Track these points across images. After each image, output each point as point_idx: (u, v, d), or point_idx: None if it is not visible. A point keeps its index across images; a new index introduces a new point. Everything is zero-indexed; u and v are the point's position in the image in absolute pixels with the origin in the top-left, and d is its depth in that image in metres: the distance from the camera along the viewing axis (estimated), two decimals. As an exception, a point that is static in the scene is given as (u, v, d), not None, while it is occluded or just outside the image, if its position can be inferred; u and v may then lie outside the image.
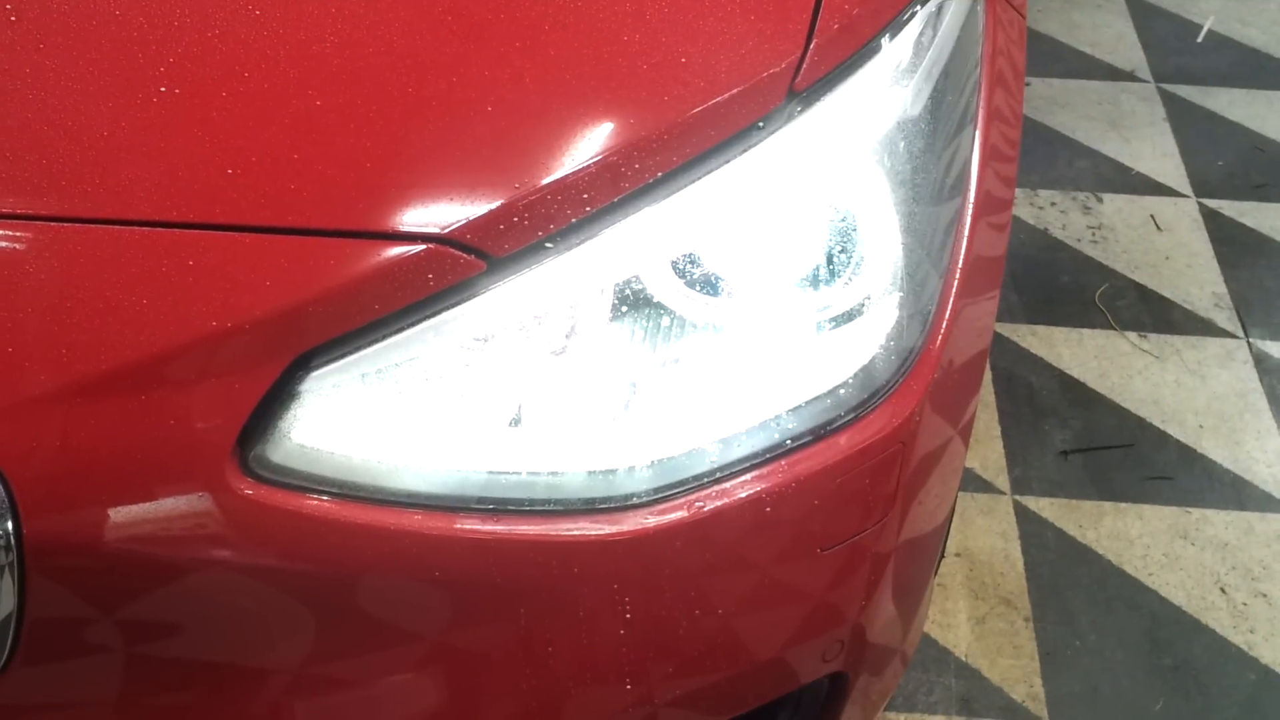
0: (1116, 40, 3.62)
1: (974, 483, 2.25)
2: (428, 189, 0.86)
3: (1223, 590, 2.10)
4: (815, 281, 0.98)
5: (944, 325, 1.06)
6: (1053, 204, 2.96)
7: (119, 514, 0.84)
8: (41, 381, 0.81)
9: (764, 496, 0.95)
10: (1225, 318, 2.65)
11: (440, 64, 0.91)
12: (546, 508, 0.92)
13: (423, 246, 0.84)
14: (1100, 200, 2.98)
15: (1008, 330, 2.59)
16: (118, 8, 0.92)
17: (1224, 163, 3.13)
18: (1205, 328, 2.62)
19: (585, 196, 0.88)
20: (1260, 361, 2.54)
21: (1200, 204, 2.98)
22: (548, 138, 0.89)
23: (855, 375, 0.99)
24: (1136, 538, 2.18)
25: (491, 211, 0.86)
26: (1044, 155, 3.12)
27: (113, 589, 0.87)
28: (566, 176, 0.87)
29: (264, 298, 0.82)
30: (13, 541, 0.82)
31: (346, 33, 0.92)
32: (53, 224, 0.83)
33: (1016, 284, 2.70)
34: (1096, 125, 3.25)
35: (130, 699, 0.94)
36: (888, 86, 1.02)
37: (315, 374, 0.86)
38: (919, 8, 1.07)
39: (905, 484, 1.05)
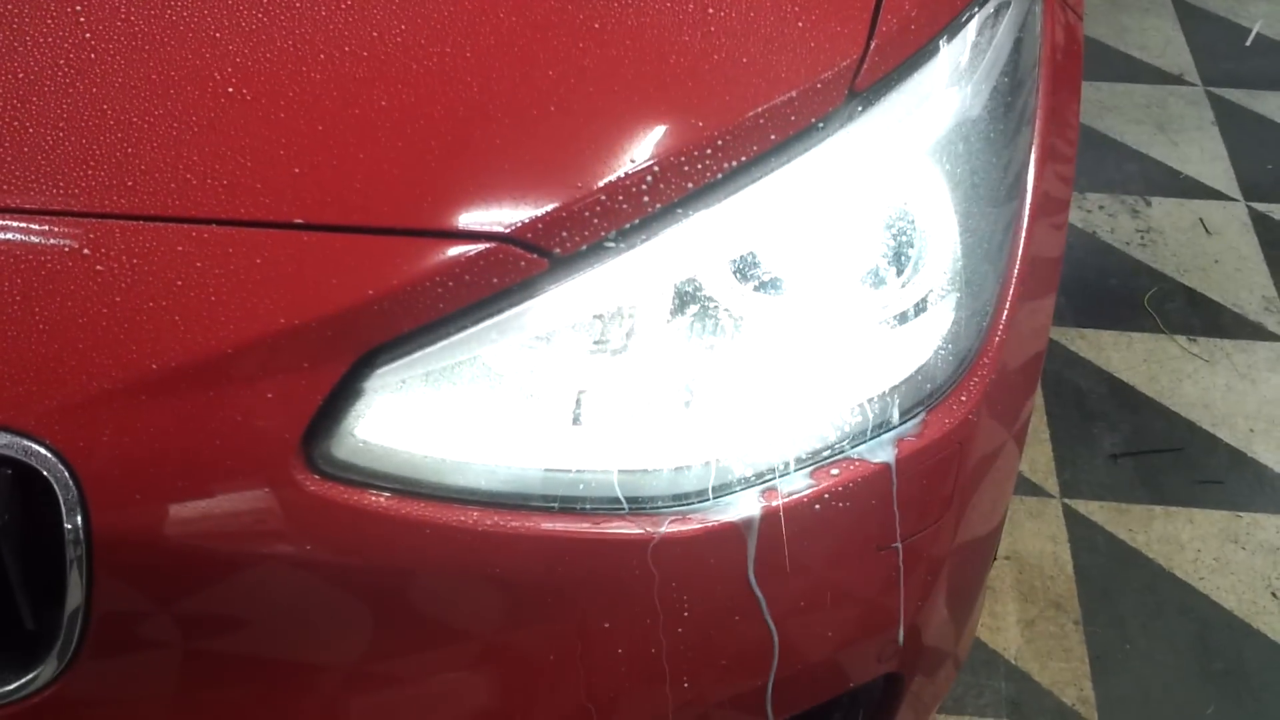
0: (1164, 44, 3.60)
1: (1023, 485, 2.24)
2: (491, 188, 0.87)
3: (1274, 594, 2.08)
4: (874, 282, 0.99)
5: (1001, 327, 1.06)
6: (1101, 207, 2.94)
7: (185, 508, 0.85)
8: (111, 377, 0.82)
9: (822, 496, 0.95)
10: (1275, 321, 2.63)
11: (504, 65, 0.91)
12: (605, 506, 0.93)
13: (486, 245, 0.85)
14: (1149, 203, 2.97)
15: (1057, 333, 2.57)
16: (187, 8, 0.93)
17: (1273, 166, 3.10)
18: (1255, 331, 2.60)
19: (646, 197, 0.89)
20: (1312, 366, 2.52)
21: (1250, 207, 2.96)
22: (609, 138, 0.89)
23: (914, 375, 1.00)
24: (1187, 541, 2.17)
25: (554, 211, 0.86)
26: (1092, 158, 3.11)
27: (178, 583, 0.88)
28: (628, 176, 0.88)
29: (330, 295, 0.83)
30: (82, 535, 0.83)
31: (412, 34, 0.92)
32: (123, 221, 0.84)
33: (1065, 287, 2.69)
34: (1145, 129, 3.23)
35: (191, 693, 0.95)
36: (947, 87, 1.02)
37: (380, 371, 0.87)
38: (977, 9, 1.07)
39: (961, 485, 1.05)
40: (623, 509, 0.93)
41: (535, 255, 0.87)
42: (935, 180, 1.02)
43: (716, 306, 0.94)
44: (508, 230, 0.85)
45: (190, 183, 0.85)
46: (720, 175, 0.91)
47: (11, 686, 0.88)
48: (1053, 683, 1.94)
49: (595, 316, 0.91)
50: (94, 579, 0.85)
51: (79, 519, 0.83)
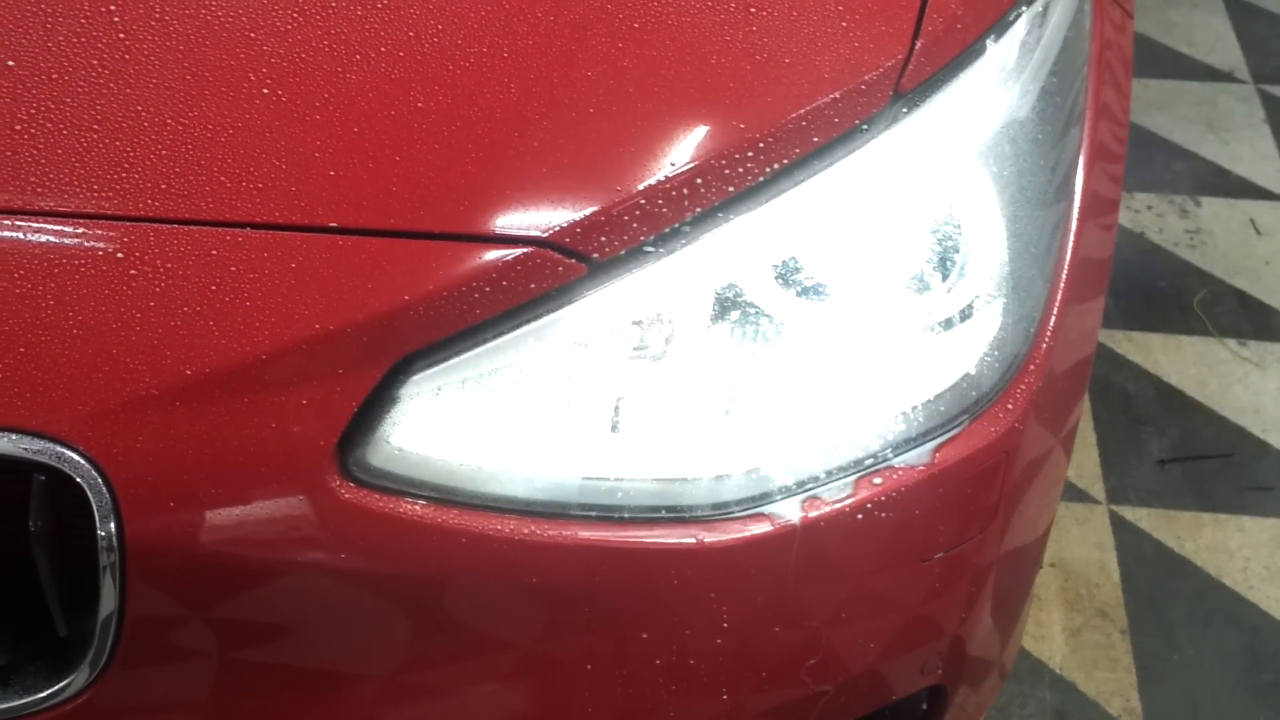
0: (1214, 40, 3.55)
1: (1069, 491, 2.21)
2: (529, 192, 0.85)
3: (1326, 605, 2.05)
4: (919, 287, 0.97)
5: (1049, 331, 1.04)
6: (1149, 207, 2.91)
7: (219, 515, 0.84)
8: (145, 383, 0.81)
9: (865, 505, 0.94)
10: (1329, 325, 2.59)
11: (542, 65, 0.90)
12: (644, 515, 0.91)
13: (524, 250, 0.84)
14: (1198, 204, 2.92)
15: (1104, 336, 2.54)
16: (222, 9, 0.92)
17: (1326, 166, 3.06)
18: (1307, 335, 2.56)
19: (686, 200, 0.88)
20: (1365, 370, 2.48)
21: (1302, 208, 2.92)
22: (650, 140, 0.88)
23: (959, 382, 0.98)
24: (1236, 549, 2.13)
25: (593, 215, 0.85)
26: (1140, 157, 3.07)
27: (211, 590, 0.88)
28: (668, 180, 0.87)
29: (367, 301, 0.82)
30: (115, 542, 0.83)
31: (449, 34, 0.91)
32: (157, 225, 0.83)
33: (1113, 289, 2.64)
34: (1194, 127, 3.19)
35: (224, 701, 0.94)
36: (994, 88, 1.00)
37: (416, 378, 0.86)
38: (1025, 7, 1.05)
39: (1008, 494, 1.03)
40: (661, 518, 0.91)
41: (573, 260, 0.86)
42: (982, 183, 1.00)
43: (758, 312, 0.92)
44: (545, 235, 0.84)
45: (225, 186, 0.85)
46: (762, 178, 0.90)
47: (44, 694, 0.87)
48: (1099, 693, 1.91)
49: (634, 322, 0.90)
50: (127, 586, 0.85)
51: (112, 525, 0.83)
